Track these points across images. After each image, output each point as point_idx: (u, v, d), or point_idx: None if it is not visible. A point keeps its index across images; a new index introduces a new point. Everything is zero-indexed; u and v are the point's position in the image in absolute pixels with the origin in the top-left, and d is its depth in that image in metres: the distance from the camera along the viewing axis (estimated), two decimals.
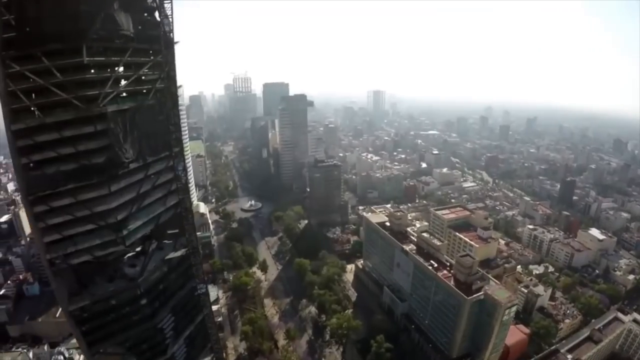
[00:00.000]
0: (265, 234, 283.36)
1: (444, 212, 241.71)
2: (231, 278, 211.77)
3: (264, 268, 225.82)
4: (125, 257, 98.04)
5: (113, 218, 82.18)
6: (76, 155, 76.03)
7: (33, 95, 72.96)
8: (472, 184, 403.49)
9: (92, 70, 76.01)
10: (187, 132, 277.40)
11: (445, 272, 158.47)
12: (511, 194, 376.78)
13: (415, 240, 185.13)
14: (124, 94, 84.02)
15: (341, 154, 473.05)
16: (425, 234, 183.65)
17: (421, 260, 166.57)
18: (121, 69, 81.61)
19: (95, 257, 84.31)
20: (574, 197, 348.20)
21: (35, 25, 69.55)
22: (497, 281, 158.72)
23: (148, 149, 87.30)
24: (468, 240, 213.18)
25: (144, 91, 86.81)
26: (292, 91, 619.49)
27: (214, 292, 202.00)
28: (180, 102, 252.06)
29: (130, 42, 79.20)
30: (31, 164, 75.42)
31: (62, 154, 75.08)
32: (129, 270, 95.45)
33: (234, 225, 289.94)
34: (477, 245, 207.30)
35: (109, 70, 78.13)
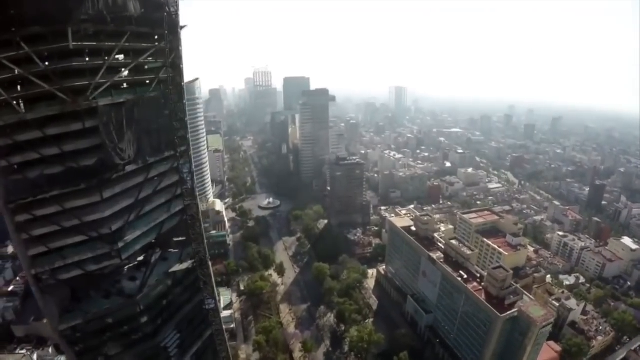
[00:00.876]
0: (283, 234, 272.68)
1: (471, 216, 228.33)
2: (246, 281, 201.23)
3: (280, 271, 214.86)
4: (125, 268, 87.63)
5: (107, 228, 71.71)
6: (62, 156, 65.43)
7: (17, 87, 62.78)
8: (498, 185, 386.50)
9: (86, 58, 65.14)
10: (203, 126, 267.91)
11: (475, 284, 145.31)
12: (538, 197, 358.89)
13: (443, 247, 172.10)
14: (122, 86, 72.99)
15: (363, 152, 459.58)
16: (454, 241, 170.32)
17: (450, 270, 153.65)
18: (119, 56, 70.76)
19: (88, 272, 73.96)
20: (603, 202, 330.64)
21: (13, 5, 58.23)
22: (531, 296, 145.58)
23: (149, 149, 76.13)
24: (497, 248, 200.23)
25: (146, 82, 75.55)
26: (313, 86, 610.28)
27: (227, 295, 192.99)
28: (197, 96, 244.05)
29: (128, 25, 67.50)
30: (12, 167, 64.90)
31: (46, 155, 64.53)
32: (127, 285, 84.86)
33: (251, 223, 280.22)
34: (506, 253, 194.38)
35: (101, 57, 66.33)
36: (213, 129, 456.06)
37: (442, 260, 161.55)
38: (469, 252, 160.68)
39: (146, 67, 75.81)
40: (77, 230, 70.21)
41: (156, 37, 73.80)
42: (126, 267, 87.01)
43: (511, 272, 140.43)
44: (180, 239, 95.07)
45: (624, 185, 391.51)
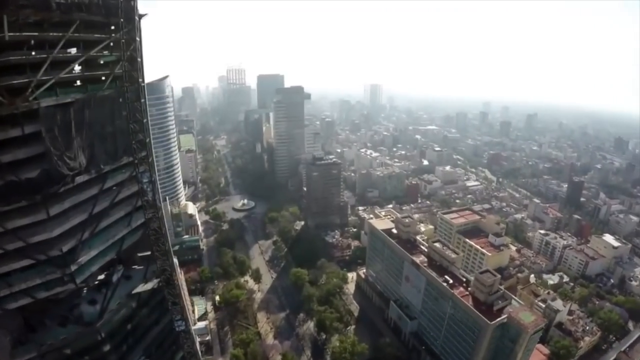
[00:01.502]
0: (258, 237, 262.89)
1: (451, 216, 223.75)
2: (221, 289, 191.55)
3: (257, 277, 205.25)
4: (84, 290, 77.42)
5: (56, 250, 61.97)
6: None
7: None
8: (476, 182, 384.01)
9: (26, 51, 55.03)
10: (174, 126, 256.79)
11: (461, 289, 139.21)
12: (517, 195, 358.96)
13: (426, 250, 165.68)
14: (71, 83, 62.80)
15: (339, 150, 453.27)
16: (437, 244, 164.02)
17: (434, 275, 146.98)
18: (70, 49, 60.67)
19: (38, 300, 63.93)
20: (582, 199, 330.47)
21: None
22: (519, 300, 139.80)
23: (104, 155, 66.60)
24: (479, 248, 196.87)
25: (99, 79, 65.60)
26: (288, 84, 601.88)
27: (202, 305, 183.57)
28: (167, 94, 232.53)
29: (77, 12, 57.20)
30: None
31: None
32: (86, 310, 74.60)
33: (225, 226, 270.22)
34: (489, 254, 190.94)
35: (44, 50, 55.95)
36: (185, 128, 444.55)
37: (425, 265, 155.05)
38: (453, 256, 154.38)
39: (100, 61, 65.94)
40: (22, 253, 60.19)
41: (111, 26, 63.66)
42: (84, 289, 76.68)
43: (499, 276, 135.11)
44: (145, 253, 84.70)
45: (600, 181, 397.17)
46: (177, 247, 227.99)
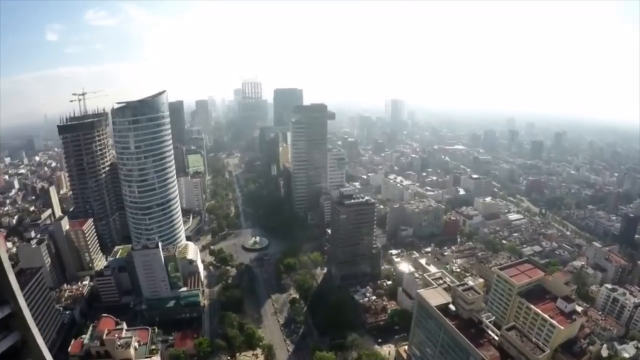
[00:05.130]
0: (272, 288, 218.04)
1: (510, 272, 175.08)
2: None
3: (269, 355, 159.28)
4: None
5: None
6: None
7: None
8: (519, 216, 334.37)
9: None
10: (171, 152, 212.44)
11: None
12: (566, 231, 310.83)
13: (498, 339, 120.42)
14: None
15: (364, 176, 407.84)
16: (513, 333, 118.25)
17: None
18: None
19: None
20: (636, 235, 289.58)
21: None
22: None
23: None
24: (548, 318, 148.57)
25: None
26: (306, 98, 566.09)
27: None
28: (162, 113, 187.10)
29: None
30: None
31: None
32: None
33: (233, 272, 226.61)
34: (560, 327, 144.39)
35: None
36: (193, 147, 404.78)
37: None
38: (540, 356, 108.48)
39: None
40: None
41: None
42: None
43: None
44: None
45: None
46: (172, 303, 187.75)
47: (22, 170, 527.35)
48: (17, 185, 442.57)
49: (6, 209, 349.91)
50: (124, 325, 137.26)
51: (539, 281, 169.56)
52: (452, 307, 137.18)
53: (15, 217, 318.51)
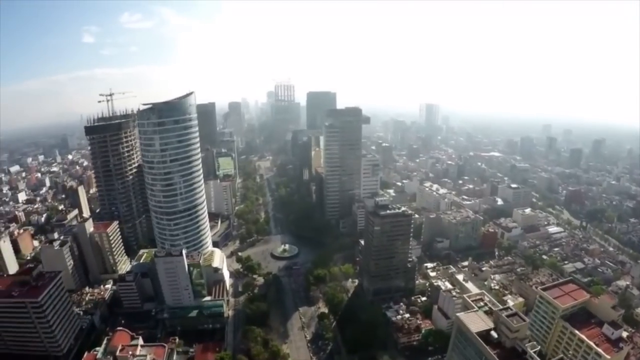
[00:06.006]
0: (300, 300, 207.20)
1: (553, 292, 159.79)
2: None
3: None
4: None
5: None
6: None
7: None
8: (558, 229, 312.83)
9: None
10: (198, 156, 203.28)
11: None
12: (609, 247, 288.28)
13: None
14: None
15: (399, 183, 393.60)
16: None
17: None
18: None
19: None
20: None
21: None
22: None
23: None
24: (594, 346, 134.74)
25: None
26: (340, 102, 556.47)
27: None
28: (189, 115, 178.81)
29: None
30: None
31: None
32: None
33: (260, 281, 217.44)
34: (608, 357, 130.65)
35: None
36: (224, 150, 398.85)
37: None
38: None
39: None
40: None
41: None
42: None
43: None
44: None
45: None
46: (195, 313, 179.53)
47: (55, 169, 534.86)
48: (48, 183, 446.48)
49: (36, 206, 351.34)
50: (140, 341, 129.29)
51: (584, 304, 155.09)
52: (494, 334, 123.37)
53: (44, 215, 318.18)
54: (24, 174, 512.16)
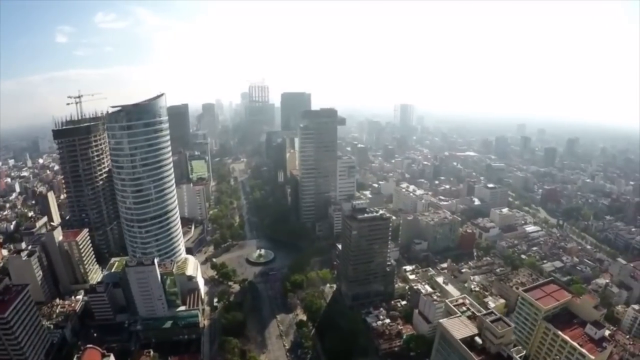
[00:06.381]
0: (277, 307, 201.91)
1: (535, 294, 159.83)
2: None
3: None
4: None
5: None
6: None
7: None
8: (536, 228, 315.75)
9: None
10: (169, 160, 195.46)
11: None
12: (586, 245, 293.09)
13: None
14: None
15: (375, 184, 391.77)
16: None
17: None
18: None
19: None
20: None
21: None
22: None
23: None
24: (578, 347, 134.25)
25: None
26: (314, 103, 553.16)
27: None
28: (160, 118, 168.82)
29: None
30: None
31: None
32: None
33: (235, 288, 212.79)
34: (592, 357, 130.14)
35: None
36: (197, 153, 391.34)
37: None
38: None
39: None
40: None
41: None
42: None
43: None
44: None
45: None
46: (169, 324, 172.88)
47: (25, 173, 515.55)
48: (17, 189, 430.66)
49: (5, 213, 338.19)
50: (111, 358, 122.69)
51: (566, 304, 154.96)
52: (478, 340, 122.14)
53: (13, 222, 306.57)
54: None
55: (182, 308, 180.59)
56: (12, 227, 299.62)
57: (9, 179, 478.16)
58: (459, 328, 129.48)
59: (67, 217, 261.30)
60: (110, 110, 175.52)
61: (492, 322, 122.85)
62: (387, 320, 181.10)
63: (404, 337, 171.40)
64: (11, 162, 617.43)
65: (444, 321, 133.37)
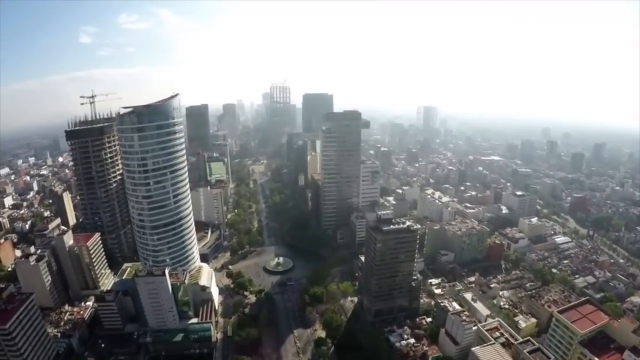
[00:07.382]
0: (295, 321, 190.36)
1: (570, 315, 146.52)
2: None
3: None
4: None
5: None
6: None
7: None
8: (566, 238, 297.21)
9: None
10: (184, 163, 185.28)
11: None
12: (619, 258, 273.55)
13: None
14: None
15: (399, 190, 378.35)
16: None
17: None
18: None
19: None
20: None
21: None
22: None
23: None
24: None
25: None
26: (337, 104, 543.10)
27: None
28: (174, 120, 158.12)
29: None
30: None
31: None
32: None
33: (250, 299, 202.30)
34: None
35: None
36: (216, 154, 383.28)
37: None
38: None
39: None
40: None
41: None
42: None
43: None
44: None
45: None
46: (180, 337, 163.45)
47: (44, 172, 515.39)
48: (35, 187, 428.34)
49: (22, 212, 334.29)
50: None
51: (603, 327, 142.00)
52: None
53: (29, 222, 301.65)
54: (13, 177, 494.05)
55: (195, 320, 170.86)
56: (27, 226, 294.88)
57: (28, 177, 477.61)
58: (493, 357, 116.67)
59: (80, 220, 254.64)
60: (122, 111, 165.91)
61: (529, 352, 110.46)
62: (412, 340, 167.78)
63: (430, 359, 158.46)
64: (32, 159, 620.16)
65: (477, 350, 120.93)
